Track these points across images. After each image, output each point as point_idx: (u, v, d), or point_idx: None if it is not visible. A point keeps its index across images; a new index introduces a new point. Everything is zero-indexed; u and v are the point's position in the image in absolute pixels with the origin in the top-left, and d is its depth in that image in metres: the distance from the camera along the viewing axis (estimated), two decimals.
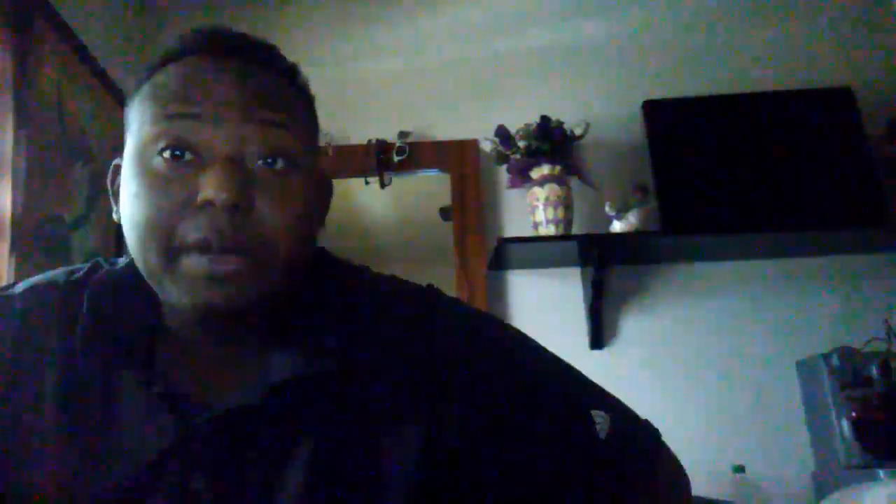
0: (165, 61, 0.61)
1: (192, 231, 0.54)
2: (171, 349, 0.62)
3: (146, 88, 0.60)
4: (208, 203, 0.54)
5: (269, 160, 0.57)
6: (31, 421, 0.59)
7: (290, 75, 0.63)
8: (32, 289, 0.66)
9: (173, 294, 0.56)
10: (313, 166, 0.62)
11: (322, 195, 0.67)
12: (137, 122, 0.59)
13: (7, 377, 0.60)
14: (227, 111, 0.56)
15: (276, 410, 0.58)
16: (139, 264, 0.59)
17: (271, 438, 0.58)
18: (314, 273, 0.66)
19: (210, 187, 0.54)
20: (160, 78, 0.60)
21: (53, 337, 0.62)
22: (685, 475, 0.72)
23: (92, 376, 0.60)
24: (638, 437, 0.68)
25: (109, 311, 0.62)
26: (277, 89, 0.60)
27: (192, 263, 0.55)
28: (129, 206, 0.57)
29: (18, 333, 0.62)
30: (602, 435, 0.64)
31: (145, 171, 0.57)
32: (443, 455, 0.61)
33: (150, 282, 0.59)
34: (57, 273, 0.68)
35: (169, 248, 0.55)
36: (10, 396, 0.60)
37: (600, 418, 0.65)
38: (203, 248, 0.54)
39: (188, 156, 0.56)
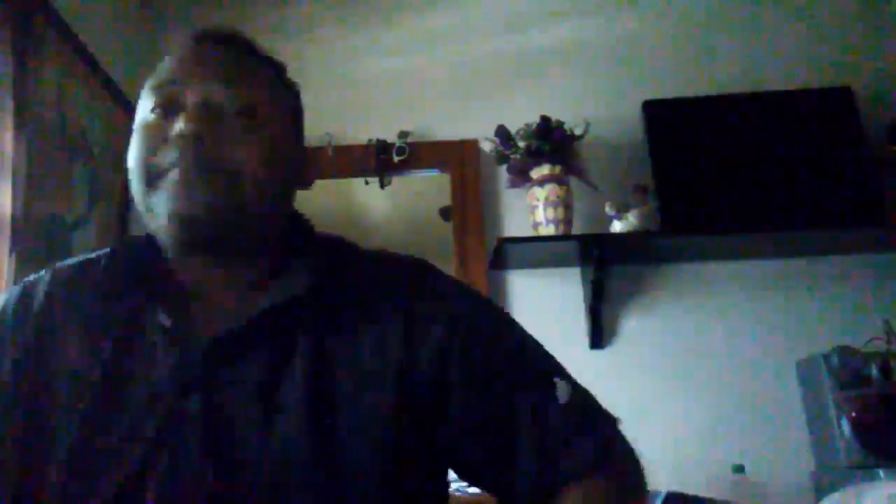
0: (162, 58, 0.76)
1: (168, 156, 0.67)
2: (176, 288, 0.73)
3: (149, 76, 0.75)
4: (181, 135, 0.67)
5: (238, 111, 0.70)
6: (64, 358, 0.70)
7: (252, 50, 0.77)
8: (57, 268, 0.79)
9: (157, 210, 0.68)
10: (280, 121, 0.74)
11: (296, 154, 0.78)
12: (140, 101, 0.74)
13: (42, 330, 0.72)
14: (198, 72, 0.71)
15: (264, 334, 0.68)
16: (136, 198, 0.72)
17: (261, 359, 0.67)
18: (307, 235, 0.78)
19: (181, 122, 0.68)
20: (157, 67, 0.76)
21: (81, 295, 0.74)
22: (640, 464, 0.74)
23: (109, 315, 0.71)
24: (593, 414, 0.73)
25: (126, 259, 0.75)
26: (239, 58, 0.74)
27: (169, 180, 0.67)
28: (129, 155, 0.72)
29: (49, 298, 0.74)
30: (562, 399, 0.70)
31: (140, 126, 0.72)
32: (417, 384, 0.69)
33: (141, 209, 0.71)
34: (77, 257, 0.81)
35: (152, 173, 0.68)
36: (45, 346, 0.71)
37: (562, 387, 0.72)
38: (176, 166, 0.67)
39: (171, 110, 0.70)
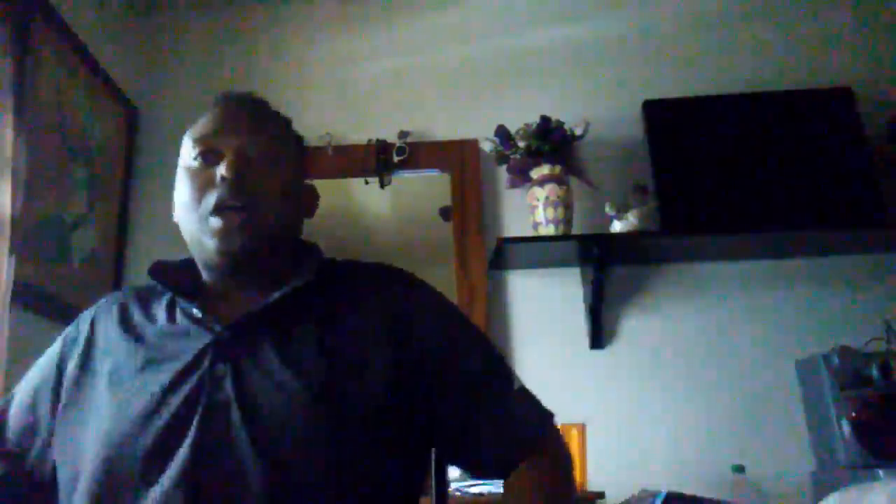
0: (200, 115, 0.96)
1: (214, 196, 0.86)
2: (206, 293, 0.92)
3: (189, 129, 0.94)
4: (223, 178, 0.86)
5: (258, 155, 0.90)
6: (116, 347, 0.88)
7: (266, 107, 0.97)
8: (103, 299, 0.97)
9: (208, 244, 0.87)
10: (291, 164, 0.94)
11: (303, 192, 0.98)
12: (183, 149, 0.93)
13: (91, 346, 0.91)
14: (229, 128, 0.92)
15: (271, 319, 0.85)
16: (186, 229, 0.91)
17: (270, 337, 0.84)
18: (308, 253, 0.94)
19: (224, 169, 0.87)
20: (195, 122, 0.95)
21: (123, 308, 0.94)
22: (568, 450, 0.91)
23: (150, 317, 0.91)
24: (538, 401, 0.90)
25: (166, 272, 0.94)
26: (259, 117, 0.95)
27: (216, 223, 0.86)
28: (179, 194, 0.91)
29: (94, 322, 0.93)
30: (516, 386, 0.89)
31: (187, 171, 0.91)
32: (407, 367, 0.84)
33: (192, 240, 0.90)
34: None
35: (202, 211, 0.87)
36: (93, 356, 0.89)
37: (516, 379, 0.90)
38: (222, 205, 0.86)
39: (211, 158, 0.89)
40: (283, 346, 0.83)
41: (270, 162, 0.91)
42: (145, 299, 0.94)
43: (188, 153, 0.92)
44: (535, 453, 0.85)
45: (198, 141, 0.91)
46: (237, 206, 0.86)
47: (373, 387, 0.81)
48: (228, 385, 0.79)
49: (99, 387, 0.85)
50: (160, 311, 0.91)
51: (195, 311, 0.87)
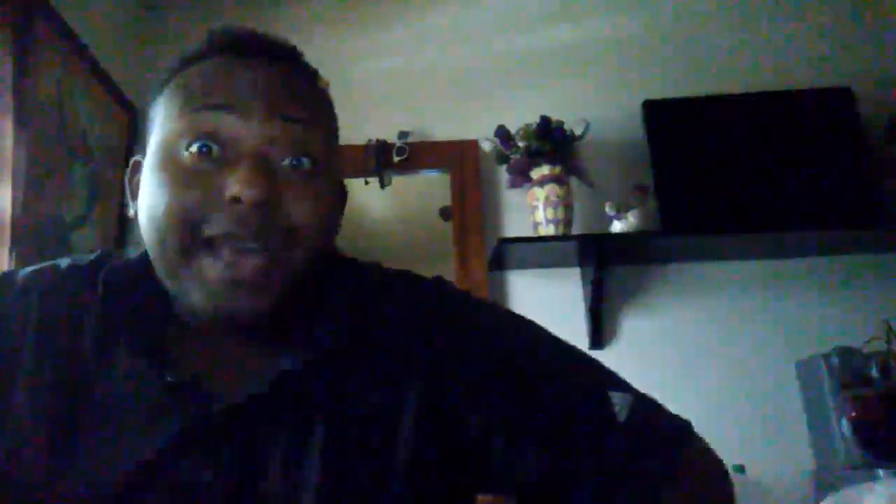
0: (189, 61, 0.61)
1: (217, 225, 0.54)
2: (182, 339, 0.61)
3: (171, 86, 0.60)
4: (235, 199, 0.54)
5: (296, 160, 0.58)
6: (29, 405, 0.57)
7: (312, 77, 0.65)
8: (35, 272, 0.65)
9: (193, 296, 0.56)
10: (335, 168, 0.63)
11: (341, 198, 0.68)
12: (162, 118, 0.59)
13: (8, 357, 0.59)
14: (254, 103, 0.57)
15: (285, 400, 0.57)
16: (156, 260, 0.58)
17: (283, 427, 0.57)
18: (324, 267, 0.66)
19: (238, 184, 0.53)
20: (185, 76, 0.60)
21: (58, 320, 0.60)
22: (721, 467, 0.64)
23: (103, 361, 0.58)
24: (660, 424, 0.64)
25: (124, 298, 0.61)
26: (301, 89, 0.61)
27: (212, 266, 0.54)
28: (151, 199, 0.56)
29: (21, 315, 0.61)
30: (621, 417, 0.61)
31: (171, 165, 0.56)
32: (449, 436, 0.60)
33: (166, 279, 0.58)
34: (60, 260, 0.67)
35: (191, 242, 0.55)
36: (10, 379, 0.58)
37: (619, 400, 0.63)
38: (227, 240, 0.54)
39: (215, 151, 0.56)
40: (291, 447, 0.56)
41: (316, 174, 0.58)
42: (95, 338, 0.59)
43: (173, 129, 0.57)
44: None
45: (193, 116, 0.56)
46: (255, 248, 0.55)
47: (403, 477, 0.58)
48: (213, 501, 0.54)
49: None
50: (115, 360, 0.59)
51: (169, 377, 0.56)
